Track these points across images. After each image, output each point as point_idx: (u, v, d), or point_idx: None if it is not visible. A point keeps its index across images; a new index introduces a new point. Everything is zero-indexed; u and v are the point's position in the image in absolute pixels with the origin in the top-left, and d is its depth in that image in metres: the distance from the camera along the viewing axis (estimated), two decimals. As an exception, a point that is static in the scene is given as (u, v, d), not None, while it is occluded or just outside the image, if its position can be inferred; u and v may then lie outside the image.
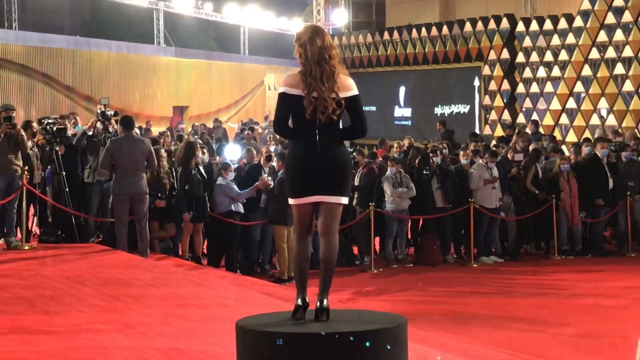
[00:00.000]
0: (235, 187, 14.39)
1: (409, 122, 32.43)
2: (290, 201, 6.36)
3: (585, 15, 26.09)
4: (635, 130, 22.50)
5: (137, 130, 18.07)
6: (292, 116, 6.32)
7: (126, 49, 37.32)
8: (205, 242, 14.98)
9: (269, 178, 14.41)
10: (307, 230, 6.38)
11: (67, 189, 13.46)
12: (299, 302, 6.08)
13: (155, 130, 29.36)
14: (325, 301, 6.08)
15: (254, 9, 48.58)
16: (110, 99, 32.37)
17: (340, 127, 6.43)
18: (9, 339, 7.63)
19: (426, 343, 7.96)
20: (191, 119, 39.00)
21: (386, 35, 33.26)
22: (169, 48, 42.41)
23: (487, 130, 28.09)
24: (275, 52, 52.24)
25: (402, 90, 32.68)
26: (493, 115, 28.97)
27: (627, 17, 24.83)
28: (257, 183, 14.38)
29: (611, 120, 25.13)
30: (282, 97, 6.29)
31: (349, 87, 6.36)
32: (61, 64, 32.44)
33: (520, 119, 27.83)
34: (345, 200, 6.36)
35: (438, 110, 30.85)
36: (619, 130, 22.32)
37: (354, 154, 16.19)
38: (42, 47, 31.75)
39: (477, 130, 28.31)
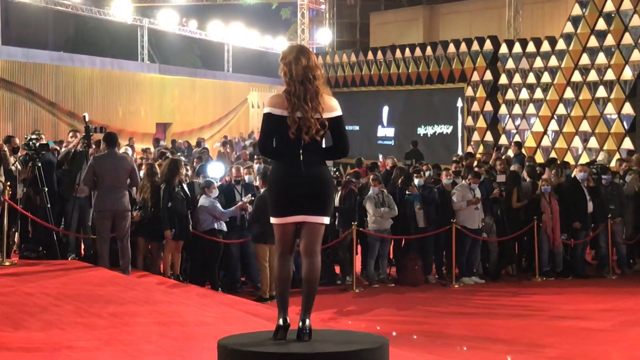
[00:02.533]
0: (218, 205, 14.40)
1: (392, 142, 32.50)
2: (273, 220, 6.37)
3: (567, 38, 26.26)
4: None
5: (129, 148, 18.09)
6: (276, 136, 6.33)
7: (110, 65, 37.29)
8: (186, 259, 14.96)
9: (247, 200, 14.46)
10: (289, 250, 6.39)
11: (48, 205, 13.43)
12: (280, 322, 6.08)
13: (138, 147, 29.34)
14: (307, 321, 6.08)
15: (238, 27, 48.71)
16: (94, 115, 32.60)
17: (323, 146, 6.46)
18: (-11, 355, 7.59)
19: (407, 364, 7.96)
20: (174, 135, 38.96)
21: (370, 55, 33.36)
22: (153, 65, 42.43)
23: (469, 151, 28.14)
24: (259, 70, 52.36)
25: (385, 110, 32.74)
26: (476, 136, 29.08)
27: (609, 40, 25.00)
28: (239, 203, 14.44)
29: (593, 143, 25.25)
30: (267, 117, 6.31)
31: (332, 107, 6.38)
32: (45, 80, 32.37)
33: (503, 140, 27.95)
34: (327, 220, 6.38)
35: (421, 131, 30.93)
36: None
37: (337, 173, 16.20)
38: (26, 63, 31.68)
39: (459, 151, 28.41)
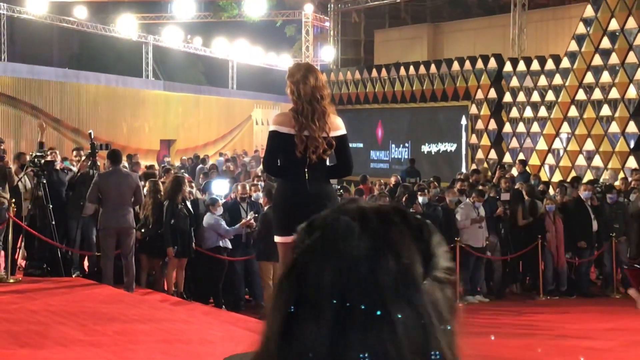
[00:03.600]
0: (223, 223, 14.41)
1: (387, 164, 32.50)
2: (277, 239, 6.38)
3: (572, 56, 26.28)
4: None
5: (126, 164, 18.11)
6: (282, 154, 6.35)
7: (115, 82, 37.35)
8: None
9: (251, 218, 14.47)
10: (294, 269, 6.39)
11: (53, 222, 13.44)
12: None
13: (143, 164, 29.38)
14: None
15: (242, 44, 48.77)
16: (98, 131, 32.59)
17: (327, 165, 6.48)
18: (-7, 373, 7.59)
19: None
20: (178, 152, 38.98)
21: (374, 73, 33.40)
22: (158, 82, 42.49)
23: (474, 168, 28.14)
24: (263, 87, 52.38)
25: (389, 127, 32.73)
26: (480, 154, 29.06)
27: (613, 59, 25.01)
28: (243, 221, 14.45)
29: (597, 161, 25.24)
30: (273, 135, 6.33)
31: (338, 126, 6.42)
32: (49, 96, 32.43)
33: (507, 158, 27.94)
34: None
35: (425, 148, 30.93)
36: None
37: (341, 191, 16.20)
38: (31, 79, 31.74)
39: (463, 169, 28.40)
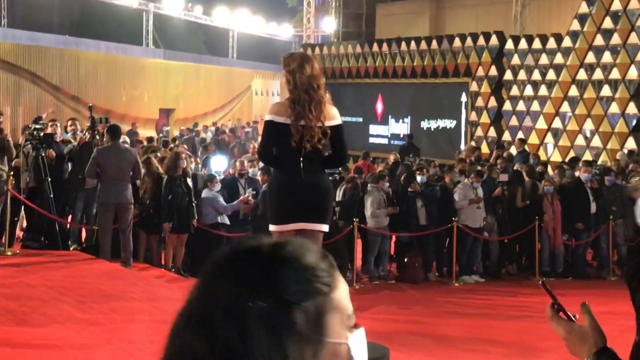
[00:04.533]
0: (221, 199, 14.42)
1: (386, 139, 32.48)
2: (272, 227, 6.41)
3: (574, 35, 26.21)
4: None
5: (127, 139, 18.06)
6: (277, 143, 6.35)
7: (115, 50, 37.21)
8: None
9: (250, 195, 14.47)
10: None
11: (51, 195, 13.43)
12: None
13: (142, 133, 29.37)
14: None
15: (243, 13, 48.58)
16: (97, 99, 32.58)
17: (323, 154, 6.49)
18: (-9, 352, 7.62)
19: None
20: (177, 121, 38.94)
21: (375, 47, 33.29)
22: (158, 50, 42.33)
23: (474, 145, 28.12)
24: (264, 57, 52.22)
25: (389, 102, 32.66)
26: (479, 132, 29.04)
27: (615, 39, 24.96)
28: (241, 197, 14.45)
29: (596, 142, 25.25)
30: (269, 124, 6.33)
31: (334, 116, 6.42)
32: (49, 63, 32.32)
33: (506, 136, 27.93)
34: (326, 227, 6.43)
35: (424, 124, 30.89)
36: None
37: (339, 170, 16.20)
38: (31, 46, 31.62)
39: (462, 146, 28.40)
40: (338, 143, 6.46)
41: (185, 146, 21.96)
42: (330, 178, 8.04)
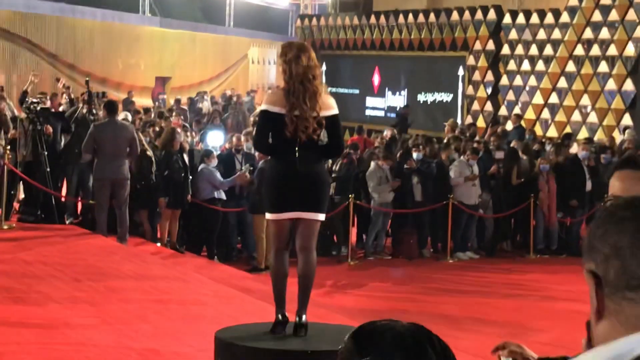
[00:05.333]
0: (218, 174, 14.43)
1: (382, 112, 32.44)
2: (269, 216, 6.46)
3: (572, 11, 26.13)
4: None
5: (128, 116, 18.00)
6: (272, 133, 6.39)
7: (111, 18, 37.04)
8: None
9: (247, 171, 14.47)
10: (285, 246, 6.49)
11: (48, 169, 13.43)
12: (279, 317, 6.18)
13: (138, 102, 29.29)
14: (304, 317, 6.18)
15: (241, -19, 48.35)
16: (93, 67, 32.48)
17: (319, 144, 6.52)
18: (-13, 330, 7.66)
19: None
20: (173, 90, 38.84)
21: (373, 19, 33.18)
22: (154, 18, 42.14)
23: (469, 120, 28.12)
24: (260, 25, 52.03)
25: (386, 75, 32.59)
26: (475, 106, 29.01)
27: (613, 15, 24.89)
28: (239, 173, 14.46)
29: (592, 118, 25.25)
30: (264, 114, 6.38)
31: (329, 106, 6.44)
32: (45, 31, 32.19)
33: (502, 111, 27.90)
34: (322, 216, 6.47)
35: (421, 97, 30.85)
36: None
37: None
38: (27, 13, 31.47)
39: (459, 120, 28.39)
40: (334, 133, 6.50)
41: (182, 117, 21.88)
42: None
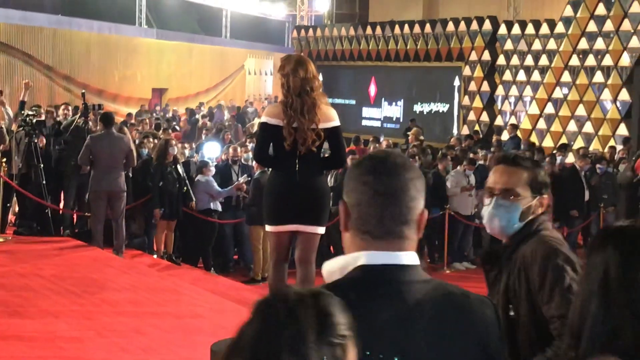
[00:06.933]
0: (215, 184, 14.43)
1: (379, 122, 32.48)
2: (268, 228, 6.44)
3: (567, 21, 26.20)
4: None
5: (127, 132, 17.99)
6: (273, 145, 6.39)
7: (107, 30, 37.08)
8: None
9: (243, 181, 14.49)
10: (284, 258, 6.48)
11: (44, 182, 13.43)
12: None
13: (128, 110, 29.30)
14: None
15: (237, -8, 48.43)
16: (90, 79, 32.48)
17: (320, 156, 6.52)
18: (-18, 344, 7.64)
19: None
20: (170, 101, 38.87)
21: (369, 30, 33.26)
22: (151, 30, 42.18)
23: (465, 131, 28.17)
24: (257, 36, 52.10)
25: (382, 85, 32.64)
26: (472, 116, 29.07)
27: (608, 25, 24.96)
28: (236, 183, 14.48)
29: (588, 128, 25.30)
30: (263, 126, 6.38)
31: (330, 117, 6.44)
32: (42, 44, 32.21)
33: (498, 121, 27.97)
34: (322, 230, 6.46)
35: (417, 108, 30.91)
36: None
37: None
38: (24, 26, 31.49)
39: (454, 130, 28.46)
40: (336, 145, 6.50)
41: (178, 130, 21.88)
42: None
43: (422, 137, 21.16)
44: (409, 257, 2.32)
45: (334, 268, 2.34)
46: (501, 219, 3.99)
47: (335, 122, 6.45)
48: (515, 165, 3.94)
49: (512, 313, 3.85)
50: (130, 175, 13.58)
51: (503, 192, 3.97)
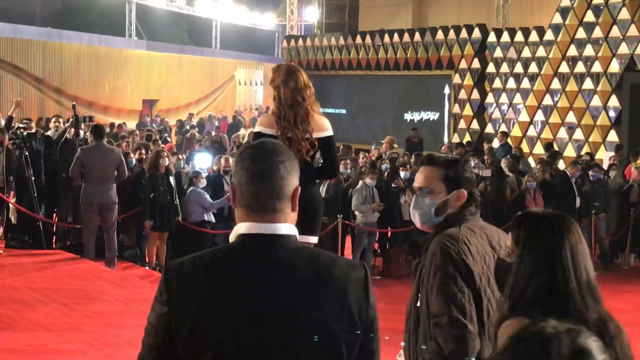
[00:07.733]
0: (207, 196, 14.41)
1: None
2: (260, 238, 6.42)
3: (556, 29, 26.27)
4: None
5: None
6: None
7: (97, 42, 37.07)
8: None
9: None
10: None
11: (35, 194, 13.40)
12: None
13: (128, 125, 29.26)
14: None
15: (226, 3, 48.52)
16: (80, 91, 32.47)
17: (314, 166, 6.51)
18: (-25, 359, 7.63)
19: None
20: (160, 112, 38.88)
21: (359, 39, 33.29)
22: (141, 41, 42.21)
23: (455, 139, 28.21)
24: (247, 47, 52.19)
25: (373, 94, 32.67)
26: (462, 124, 29.12)
27: (597, 32, 25.03)
28: (228, 194, 14.46)
29: (578, 135, 25.35)
30: (257, 136, 6.36)
31: (323, 127, 6.43)
32: (32, 56, 32.19)
33: (489, 128, 28.01)
34: (314, 239, 6.44)
35: (408, 116, 30.94)
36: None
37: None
38: (13, 38, 31.47)
39: (445, 139, 28.48)
40: (327, 155, 6.48)
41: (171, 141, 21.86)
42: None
43: (395, 145, 21.19)
44: (285, 228, 2.77)
45: (231, 237, 2.74)
46: (420, 214, 4.27)
47: (329, 131, 6.44)
48: (430, 164, 4.26)
49: (418, 304, 4.10)
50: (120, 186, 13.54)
51: (420, 190, 4.26)
